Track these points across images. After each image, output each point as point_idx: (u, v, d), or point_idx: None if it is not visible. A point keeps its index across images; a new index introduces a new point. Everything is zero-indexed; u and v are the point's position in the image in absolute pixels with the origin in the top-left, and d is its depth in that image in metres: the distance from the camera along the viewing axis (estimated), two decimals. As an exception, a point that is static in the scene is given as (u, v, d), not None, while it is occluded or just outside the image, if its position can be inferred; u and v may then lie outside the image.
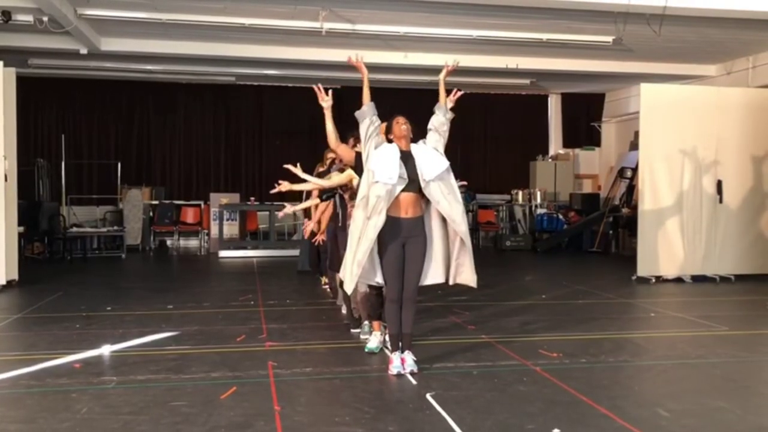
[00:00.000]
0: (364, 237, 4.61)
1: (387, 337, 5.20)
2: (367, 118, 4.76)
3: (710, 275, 9.48)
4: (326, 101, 5.19)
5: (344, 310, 6.56)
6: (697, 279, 9.39)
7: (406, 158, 4.70)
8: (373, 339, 5.39)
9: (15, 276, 8.72)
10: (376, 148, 4.72)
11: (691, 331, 6.40)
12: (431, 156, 4.76)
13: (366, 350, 5.30)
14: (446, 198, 4.71)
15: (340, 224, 6.01)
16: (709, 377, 4.86)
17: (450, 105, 5.09)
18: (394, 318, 4.76)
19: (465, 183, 5.60)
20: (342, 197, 5.96)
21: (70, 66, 12.34)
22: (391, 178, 4.58)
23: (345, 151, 5.59)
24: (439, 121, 4.90)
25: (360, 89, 5.09)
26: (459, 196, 4.82)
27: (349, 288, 4.83)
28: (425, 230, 4.79)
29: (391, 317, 4.79)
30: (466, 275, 4.84)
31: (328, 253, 7.17)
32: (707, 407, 4.15)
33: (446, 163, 4.76)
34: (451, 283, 4.89)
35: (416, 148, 4.80)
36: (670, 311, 7.46)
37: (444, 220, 4.80)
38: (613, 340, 5.87)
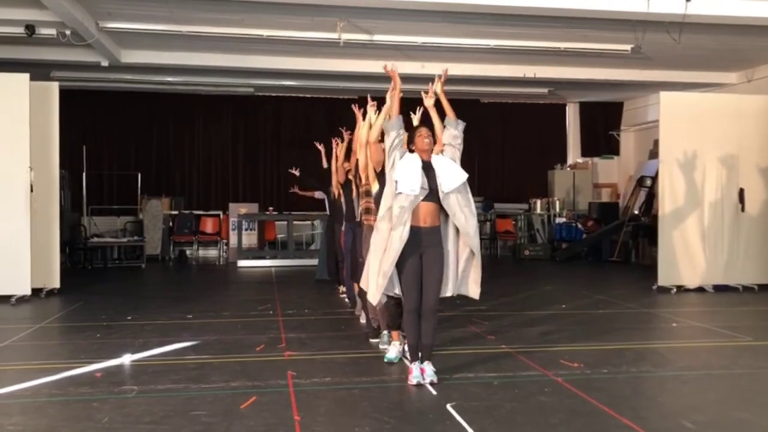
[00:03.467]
0: (389, 248, 4.62)
1: (406, 347, 5.18)
2: (394, 131, 4.79)
3: (733, 285, 9.35)
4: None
5: (363, 320, 6.55)
6: (720, 288, 9.26)
7: (427, 169, 4.73)
8: (392, 349, 5.37)
9: (57, 284, 8.86)
10: (400, 158, 4.74)
11: (714, 342, 6.31)
12: (450, 168, 4.77)
13: (385, 360, 5.29)
14: (462, 211, 4.72)
15: (358, 219, 6.05)
16: (733, 388, 4.78)
17: (439, 86, 5.06)
18: (413, 328, 4.75)
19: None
20: (356, 189, 6.08)
21: (91, 78, 12.52)
22: (414, 189, 4.61)
23: (374, 148, 5.57)
24: (452, 134, 4.90)
25: (382, 100, 5.11)
26: (474, 209, 4.83)
27: (374, 299, 4.84)
28: (442, 241, 4.78)
29: (409, 327, 4.78)
30: (471, 287, 4.85)
31: (346, 262, 7.18)
32: (732, 419, 4.08)
33: (465, 176, 4.76)
34: (454, 294, 4.86)
35: (436, 159, 4.81)
36: (692, 321, 7.36)
37: (458, 233, 4.80)
38: (635, 350, 5.80)
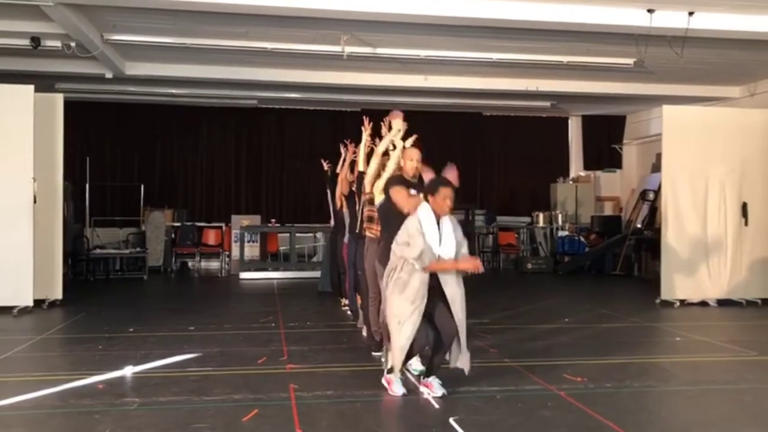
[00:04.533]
0: (415, 296, 4.49)
1: (411, 361, 5.14)
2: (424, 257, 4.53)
3: (736, 299, 9.31)
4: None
5: (365, 333, 6.53)
6: (723, 303, 9.22)
7: (439, 226, 4.60)
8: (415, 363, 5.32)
9: (59, 296, 8.83)
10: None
11: (718, 356, 6.28)
12: (451, 235, 4.64)
13: (416, 373, 5.25)
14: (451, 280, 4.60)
15: (357, 229, 6.05)
16: (738, 404, 4.75)
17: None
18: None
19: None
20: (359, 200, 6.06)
21: (95, 90, 12.57)
22: (434, 254, 4.54)
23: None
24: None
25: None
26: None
27: (398, 366, 4.68)
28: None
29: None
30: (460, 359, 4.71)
31: (349, 274, 7.16)
32: (737, 434, 4.06)
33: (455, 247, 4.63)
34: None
35: (445, 222, 4.65)
36: (695, 335, 7.33)
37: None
38: (638, 364, 5.78)
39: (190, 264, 14.11)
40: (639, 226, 13.74)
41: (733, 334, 7.29)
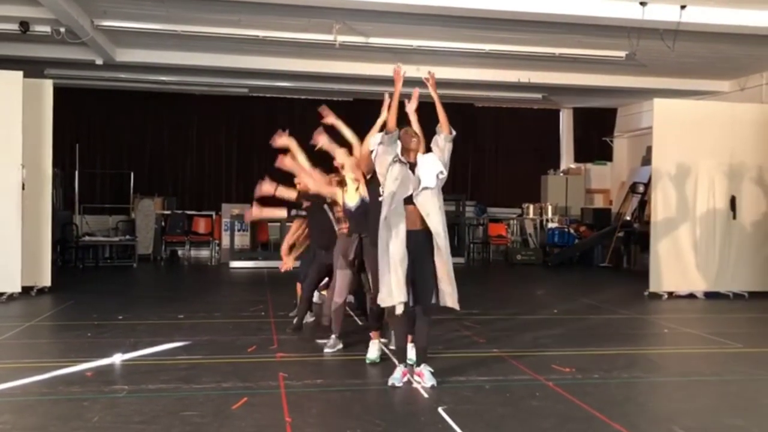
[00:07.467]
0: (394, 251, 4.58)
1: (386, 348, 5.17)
2: (391, 149, 4.70)
3: (723, 292, 9.39)
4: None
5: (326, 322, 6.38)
6: (710, 295, 9.31)
7: (413, 169, 4.71)
8: (372, 349, 5.35)
9: (47, 283, 8.79)
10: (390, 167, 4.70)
11: (704, 348, 6.34)
12: (432, 165, 4.72)
13: (367, 361, 5.28)
14: (436, 213, 4.65)
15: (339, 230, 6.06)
16: (724, 394, 4.80)
17: (414, 105, 5.08)
18: (403, 331, 4.75)
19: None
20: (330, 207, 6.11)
21: (85, 76, 12.45)
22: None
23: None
24: (441, 142, 4.82)
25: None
26: (444, 215, 4.73)
27: (399, 310, 4.61)
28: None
29: (400, 330, 4.78)
30: (449, 299, 4.71)
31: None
32: (723, 425, 4.10)
33: (439, 174, 4.69)
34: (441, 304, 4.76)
35: (421, 159, 4.77)
36: (683, 327, 7.39)
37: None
38: (626, 355, 5.82)
39: (179, 252, 14.06)
40: (628, 218, 13.82)
41: (719, 326, 7.36)
